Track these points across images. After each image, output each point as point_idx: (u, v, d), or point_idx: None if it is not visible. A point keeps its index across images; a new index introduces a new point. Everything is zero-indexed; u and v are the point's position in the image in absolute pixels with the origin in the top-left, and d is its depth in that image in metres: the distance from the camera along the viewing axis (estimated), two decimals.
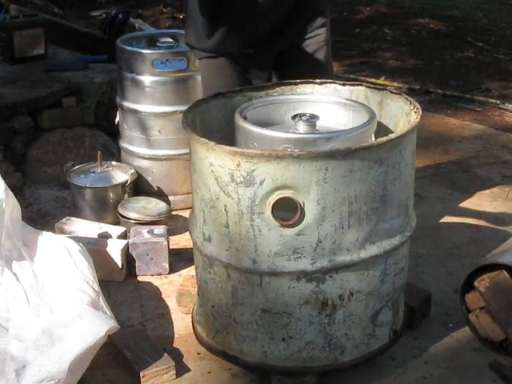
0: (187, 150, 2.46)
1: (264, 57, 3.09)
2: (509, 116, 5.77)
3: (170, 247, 3.38)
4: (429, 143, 4.89)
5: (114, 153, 4.31)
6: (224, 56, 3.06)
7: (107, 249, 3.25)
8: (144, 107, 3.90)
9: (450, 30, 8.71)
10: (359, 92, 2.72)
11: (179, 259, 3.45)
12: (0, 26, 4.80)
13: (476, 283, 2.72)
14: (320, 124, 2.44)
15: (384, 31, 8.52)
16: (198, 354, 2.71)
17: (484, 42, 8.25)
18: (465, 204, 4.13)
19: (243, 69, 3.08)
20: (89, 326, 2.39)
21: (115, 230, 3.49)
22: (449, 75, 6.93)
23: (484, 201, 4.16)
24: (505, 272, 2.65)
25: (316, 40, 3.10)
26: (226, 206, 2.24)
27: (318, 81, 2.76)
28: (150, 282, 3.29)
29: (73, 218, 3.59)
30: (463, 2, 10.83)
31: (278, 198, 2.15)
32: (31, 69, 4.69)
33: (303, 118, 2.41)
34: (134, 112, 3.94)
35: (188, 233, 2.59)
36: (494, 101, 6.07)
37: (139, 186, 3.97)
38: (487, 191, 4.29)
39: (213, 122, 2.60)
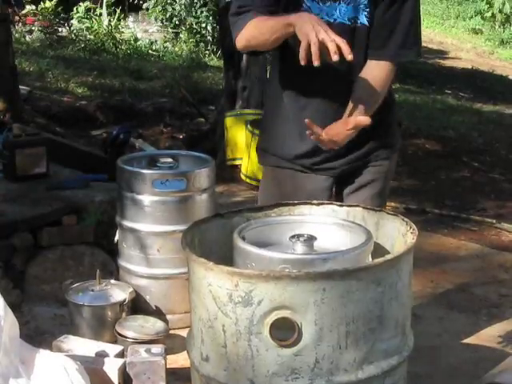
0: (186, 269, 2.47)
1: (324, 176, 3.11)
2: (505, 235, 5.81)
3: (168, 366, 3.36)
4: (426, 262, 4.92)
5: (113, 271, 4.33)
6: (289, 169, 3.11)
7: (104, 368, 3.23)
8: (143, 226, 3.94)
9: (446, 151, 8.85)
10: (356, 213, 2.76)
11: (176, 378, 3.42)
12: (3, 145, 4.88)
13: None
14: (318, 244, 2.46)
15: None
16: None
17: (479, 162, 8.38)
18: (462, 323, 4.13)
19: (304, 184, 3.11)
20: None
21: (112, 349, 3.47)
22: (445, 195, 7.01)
23: (481, 320, 4.15)
24: None
25: (377, 170, 3.12)
26: (223, 325, 2.24)
27: (315, 202, 2.80)
28: None
29: (70, 336, 3.57)
30: (458, 123, 11.04)
31: (275, 318, 2.16)
32: (32, 187, 4.75)
33: (301, 239, 2.44)
34: (134, 231, 3.98)
35: (186, 352, 2.59)
36: (490, 220, 6.12)
37: (137, 305, 3.97)
38: (484, 311, 4.30)
39: (211, 242, 2.62)
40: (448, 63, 23.59)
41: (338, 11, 2.83)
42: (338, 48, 2.46)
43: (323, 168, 3.07)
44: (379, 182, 3.13)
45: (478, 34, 32.25)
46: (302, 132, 2.97)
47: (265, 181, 3.26)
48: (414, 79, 17.98)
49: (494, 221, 6.13)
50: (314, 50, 2.44)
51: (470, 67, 21.81)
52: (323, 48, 2.46)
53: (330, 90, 2.95)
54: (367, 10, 2.86)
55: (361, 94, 2.87)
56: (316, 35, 2.45)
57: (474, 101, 14.94)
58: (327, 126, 2.93)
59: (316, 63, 2.45)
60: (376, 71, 2.88)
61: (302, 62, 2.48)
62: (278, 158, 3.12)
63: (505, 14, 32.70)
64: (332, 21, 2.83)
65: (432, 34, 31.08)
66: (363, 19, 2.87)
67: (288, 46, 2.92)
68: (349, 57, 2.46)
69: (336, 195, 3.15)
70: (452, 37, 31.35)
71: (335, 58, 2.45)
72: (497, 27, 32.58)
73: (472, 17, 34.06)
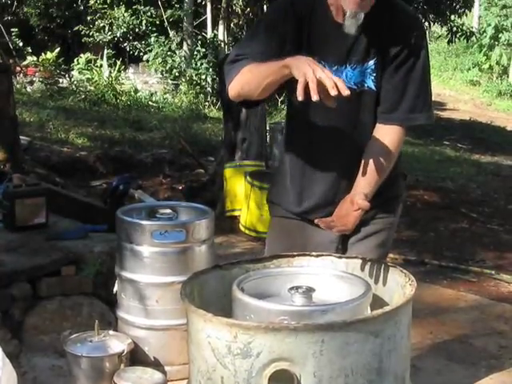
0: (185, 321, 2.47)
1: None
2: (504, 286, 5.81)
3: None
4: (425, 314, 4.91)
5: (112, 322, 4.31)
6: (296, 219, 3.11)
7: None
8: (142, 277, 3.94)
9: (445, 202, 8.88)
10: (355, 264, 2.77)
11: None
12: (3, 195, 4.90)
13: None
14: (316, 296, 2.47)
15: None
16: None
17: (478, 213, 8.40)
18: (462, 375, 4.11)
19: (312, 235, 3.11)
20: None
21: None
22: (444, 246, 7.02)
23: (481, 372, 4.14)
24: None
25: (383, 221, 3.12)
26: (222, 377, 2.23)
27: (314, 253, 2.81)
28: None
29: None
30: (457, 174, 11.09)
31: (274, 370, 2.16)
32: (32, 237, 4.75)
33: (299, 291, 2.44)
34: (133, 282, 3.98)
35: None
36: (488, 271, 6.13)
37: (136, 356, 3.95)
38: (484, 362, 4.28)
39: (210, 293, 2.63)
40: (446, 115, 23.74)
41: (344, 75, 2.83)
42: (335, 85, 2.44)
43: None
44: (384, 232, 3.14)
45: (475, 85, 32.49)
46: (302, 193, 3.04)
47: (272, 232, 3.26)
48: (413, 131, 18.05)
49: (493, 272, 6.13)
50: (312, 86, 2.43)
51: (468, 118, 21.95)
52: (321, 87, 2.44)
53: (333, 153, 2.96)
54: (374, 74, 2.87)
55: (372, 161, 2.87)
56: (313, 73, 2.44)
57: (472, 152, 15.03)
58: (331, 188, 2.99)
59: (315, 98, 2.42)
60: (387, 135, 2.88)
61: (300, 98, 2.46)
62: (285, 210, 3.14)
63: (502, 66, 33.00)
64: None
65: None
66: (370, 83, 2.88)
67: (293, 105, 2.96)
68: (345, 92, 2.44)
69: (341, 244, 3.16)
70: (450, 88, 31.58)
71: (333, 92, 2.42)
72: (494, 79, 32.84)
73: (470, 69, 34.34)
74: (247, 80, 2.75)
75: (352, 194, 2.85)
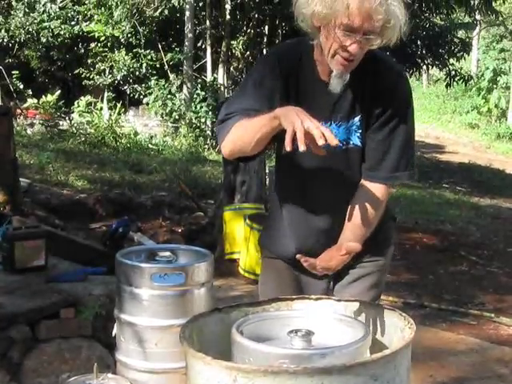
0: (184, 364, 2.47)
1: (320, 280, 3.12)
2: (503, 329, 5.80)
3: None
4: (424, 357, 4.90)
5: (110, 365, 4.29)
6: (283, 260, 3.13)
7: None
8: (141, 320, 3.92)
9: (444, 245, 8.88)
10: (354, 308, 2.77)
11: None
12: (2, 237, 4.90)
13: None
14: (316, 339, 2.47)
15: None
16: None
17: (477, 255, 8.40)
18: None
19: (300, 275, 3.12)
20: None
21: None
22: (443, 289, 7.02)
23: None
24: None
25: (372, 264, 3.12)
26: None
27: (313, 296, 2.81)
28: None
29: None
30: (456, 217, 11.11)
31: None
32: (31, 279, 4.74)
33: (299, 334, 2.44)
34: (132, 325, 3.96)
35: None
36: (488, 314, 6.12)
37: None
38: None
39: (210, 336, 2.63)
40: (445, 157, 23.84)
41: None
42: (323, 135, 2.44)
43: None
44: (375, 274, 3.14)
45: (474, 128, 32.66)
46: (292, 239, 3.06)
47: (264, 273, 3.27)
48: None
49: (493, 315, 6.12)
50: (300, 136, 2.43)
51: (467, 161, 22.03)
52: (309, 137, 2.45)
53: (322, 205, 2.98)
54: (359, 131, 2.87)
55: (356, 218, 2.88)
56: (301, 123, 2.45)
57: (471, 195, 15.06)
58: (318, 238, 3.00)
59: (302, 148, 2.43)
60: (371, 193, 2.89)
61: (288, 148, 2.45)
62: (276, 254, 3.16)
63: (501, 109, 33.19)
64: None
65: (429, 128, 31.47)
66: (356, 140, 2.88)
67: (281, 157, 2.98)
68: (334, 142, 2.45)
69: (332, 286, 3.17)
70: (449, 131, 31.73)
71: (320, 142, 2.43)
72: (493, 122, 33.02)
73: (468, 112, 34.54)
74: (239, 136, 2.75)
75: (338, 243, 2.86)
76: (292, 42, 2.98)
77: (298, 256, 2.82)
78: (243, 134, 2.72)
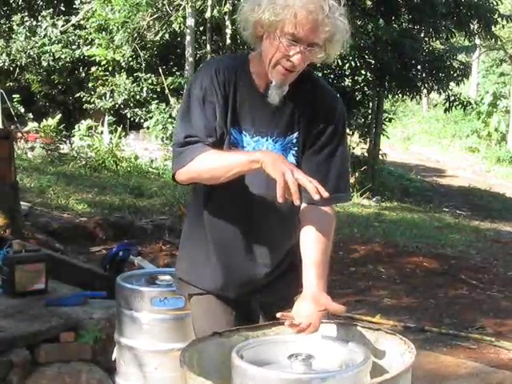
0: None
1: (251, 304, 3.08)
2: (504, 353, 5.79)
3: None
4: (425, 381, 4.88)
5: None
6: (213, 294, 3.02)
7: None
8: (141, 344, 3.92)
9: (444, 268, 8.88)
10: (354, 332, 2.76)
11: None
12: (3, 261, 4.91)
13: None
14: (316, 363, 2.47)
15: (379, 270, 8.67)
16: None
17: (477, 279, 8.39)
18: None
19: (233, 309, 3.03)
20: None
21: None
22: (444, 313, 7.01)
23: None
24: None
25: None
26: None
27: None
28: None
29: None
30: (456, 241, 11.11)
31: None
32: (31, 303, 4.74)
33: (299, 358, 2.44)
34: (131, 349, 3.96)
35: None
36: (488, 338, 6.11)
37: None
38: None
39: (210, 360, 2.62)
40: (445, 181, 23.87)
41: (264, 147, 2.80)
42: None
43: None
44: None
45: (474, 152, 32.73)
46: (220, 268, 2.97)
47: (194, 313, 3.12)
48: (412, 197, 18.19)
49: (493, 339, 6.11)
50: (295, 189, 2.44)
51: (467, 185, 22.07)
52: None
53: (254, 228, 2.91)
54: (295, 148, 2.84)
55: (313, 255, 2.76)
56: (291, 173, 2.45)
57: (471, 218, 15.07)
58: (250, 265, 2.94)
59: (297, 202, 2.46)
60: (320, 219, 2.81)
61: (280, 200, 2.46)
62: (199, 288, 3.04)
63: (501, 133, 33.28)
64: None
65: (429, 152, 31.54)
66: (291, 158, 2.83)
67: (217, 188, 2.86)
68: (325, 195, 2.47)
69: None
70: (449, 155, 31.80)
71: (316, 197, 2.46)
72: (493, 145, 33.09)
73: (468, 135, 34.64)
74: (206, 169, 2.72)
75: (310, 291, 2.69)
76: (226, 56, 2.97)
77: (278, 315, 2.62)
78: (212, 169, 2.70)
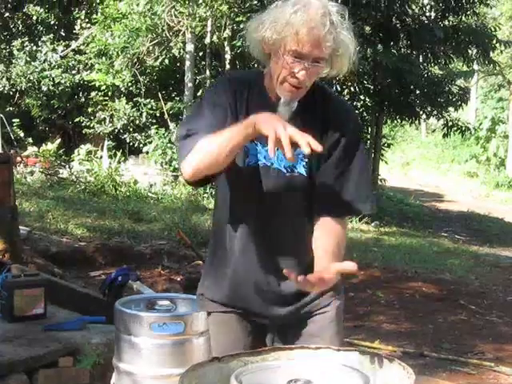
0: None
1: (267, 322, 3.07)
2: (503, 378, 5.78)
3: None
4: None
5: None
6: (233, 313, 3.04)
7: None
8: (140, 369, 3.92)
9: (443, 294, 8.86)
10: (353, 357, 2.76)
11: None
12: (1, 285, 4.91)
13: None
14: None
15: (378, 295, 8.66)
16: None
17: (477, 304, 8.38)
18: None
19: (251, 328, 3.05)
20: None
21: None
22: (443, 338, 6.99)
23: None
24: None
25: (324, 316, 3.04)
26: None
27: (312, 346, 2.80)
28: None
29: None
30: (455, 266, 11.10)
31: None
32: (30, 327, 4.75)
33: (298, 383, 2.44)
34: (130, 374, 3.95)
35: None
36: (488, 363, 6.10)
37: None
38: None
39: None
40: (444, 206, 23.88)
41: (275, 156, 2.78)
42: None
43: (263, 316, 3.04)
44: (327, 329, 3.05)
45: (473, 177, 32.78)
46: (240, 284, 2.98)
47: (212, 331, 3.14)
48: (411, 222, 18.18)
49: (493, 364, 6.09)
50: (286, 141, 2.41)
51: (466, 210, 22.07)
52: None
53: (266, 240, 2.91)
54: (306, 160, 2.84)
55: (327, 252, 2.80)
56: (284, 128, 2.44)
57: (470, 243, 15.06)
58: (264, 277, 2.94)
59: (289, 155, 2.43)
60: (334, 229, 2.83)
61: (271, 155, 2.45)
62: (220, 304, 3.05)
63: (499, 158, 33.34)
64: (269, 164, 2.83)
65: (428, 177, 31.58)
66: (301, 169, 2.85)
67: (222, 194, 2.94)
68: (319, 148, 2.45)
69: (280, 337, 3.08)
70: (448, 180, 31.83)
71: (307, 150, 2.43)
72: (492, 170, 33.13)
73: (467, 160, 34.71)
74: (207, 151, 2.68)
75: (320, 269, 2.73)
76: (242, 71, 2.99)
77: (284, 271, 2.65)
78: (212, 149, 2.66)
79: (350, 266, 2.65)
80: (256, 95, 2.85)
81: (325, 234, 2.84)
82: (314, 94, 2.84)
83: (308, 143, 2.44)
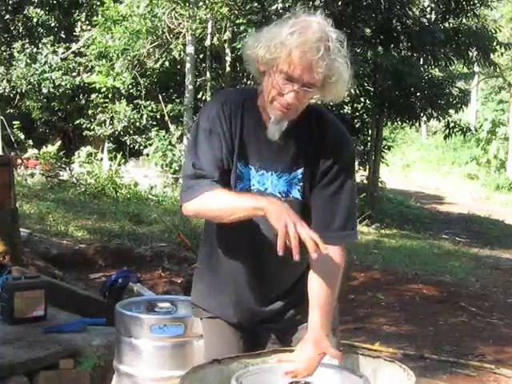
0: None
1: (260, 331, 3.10)
2: (504, 380, 5.77)
3: None
4: None
5: None
6: (222, 319, 3.05)
7: None
8: (140, 371, 3.91)
9: (444, 296, 8.85)
10: (354, 359, 2.76)
11: None
12: (2, 287, 4.91)
13: None
14: None
15: (378, 297, 8.65)
16: None
17: (477, 306, 8.37)
18: None
19: (241, 333, 3.05)
20: None
21: None
22: (443, 340, 6.98)
23: None
24: None
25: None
26: None
27: None
28: None
29: None
30: (456, 268, 11.09)
31: None
32: (30, 330, 4.74)
33: None
34: (130, 376, 3.95)
35: None
36: (488, 366, 6.09)
37: None
38: None
39: None
40: (445, 208, 23.87)
41: (269, 182, 2.82)
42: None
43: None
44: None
45: (473, 179, 32.78)
46: (232, 299, 2.99)
47: (205, 335, 3.17)
48: (412, 224, 18.17)
49: (493, 366, 6.09)
50: (295, 243, 2.44)
51: (466, 212, 22.06)
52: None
53: (262, 262, 2.91)
54: (301, 184, 2.83)
55: (321, 296, 2.80)
56: (294, 227, 2.46)
57: (470, 245, 15.05)
58: (261, 297, 2.96)
59: (297, 258, 2.43)
60: (328, 258, 2.75)
61: (281, 253, 2.46)
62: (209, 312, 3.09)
63: (500, 160, 33.34)
64: (263, 190, 2.82)
65: (428, 179, 31.57)
66: (296, 193, 2.84)
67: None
68: (324, 251, 2.48)
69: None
70: (448, 182, 31.82)
71: (314, 256, 2.47)
72: (492, 172, 33.13)
73: (467, 163, 34.71)
74: (211, 208, 2.73)
75: (314, 334, 2.74)
76: (235, 89, 2.98)
77: (277, 359, 2.71)
78: (217, 209, 2.72)
79: (336, 356, 2.68)
80: (249, 115, 2.84)
81: (319, 269, 2.80)
82: (310, 118, 2.83)
83: (315, 247, 2.47)
